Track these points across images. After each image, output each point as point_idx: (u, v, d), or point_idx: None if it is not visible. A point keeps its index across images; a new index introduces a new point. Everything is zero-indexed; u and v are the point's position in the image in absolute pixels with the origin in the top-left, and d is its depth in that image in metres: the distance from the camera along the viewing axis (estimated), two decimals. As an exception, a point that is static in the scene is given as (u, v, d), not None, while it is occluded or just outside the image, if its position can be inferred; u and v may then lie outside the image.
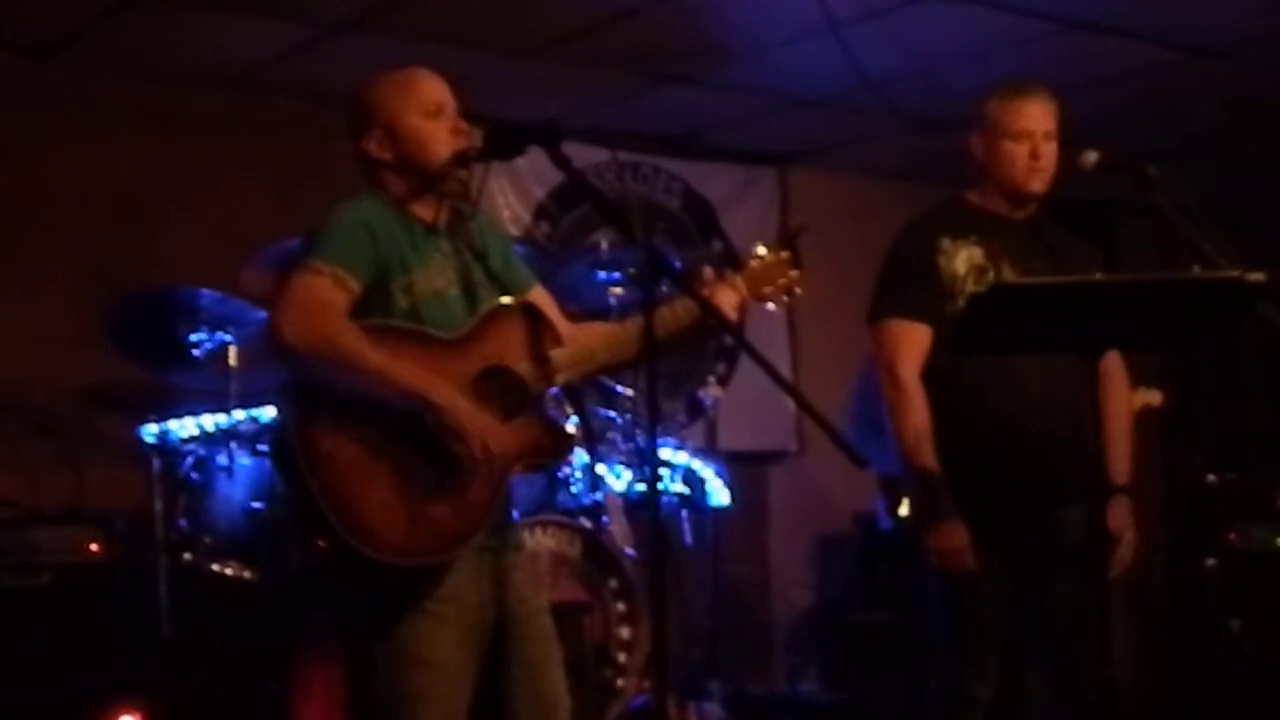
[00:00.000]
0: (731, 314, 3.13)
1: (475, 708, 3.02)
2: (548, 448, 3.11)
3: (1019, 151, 3.79)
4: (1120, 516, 3.78)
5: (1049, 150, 3.80)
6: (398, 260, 2.99)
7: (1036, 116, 3.80)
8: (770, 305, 3.27)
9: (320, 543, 2.91)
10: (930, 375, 3.80)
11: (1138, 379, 5.37)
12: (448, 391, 2.91)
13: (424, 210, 3.10)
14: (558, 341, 3.13)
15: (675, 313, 3.13)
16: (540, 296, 3.26)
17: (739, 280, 3.21)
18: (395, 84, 3.12)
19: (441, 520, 2.91)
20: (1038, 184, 3.81)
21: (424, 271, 3.03)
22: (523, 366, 3.06)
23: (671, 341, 3.13)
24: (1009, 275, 3.78)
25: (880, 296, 3.91)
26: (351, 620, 3.06)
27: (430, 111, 3.09)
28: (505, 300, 3.12)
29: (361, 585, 2.96)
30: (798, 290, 3.29)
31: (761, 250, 3.26)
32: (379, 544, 2.84)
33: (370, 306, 2.94)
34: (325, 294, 2.87)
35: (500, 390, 3.02)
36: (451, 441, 2.89)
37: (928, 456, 3.73)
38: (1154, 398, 5.37)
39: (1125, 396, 3.97)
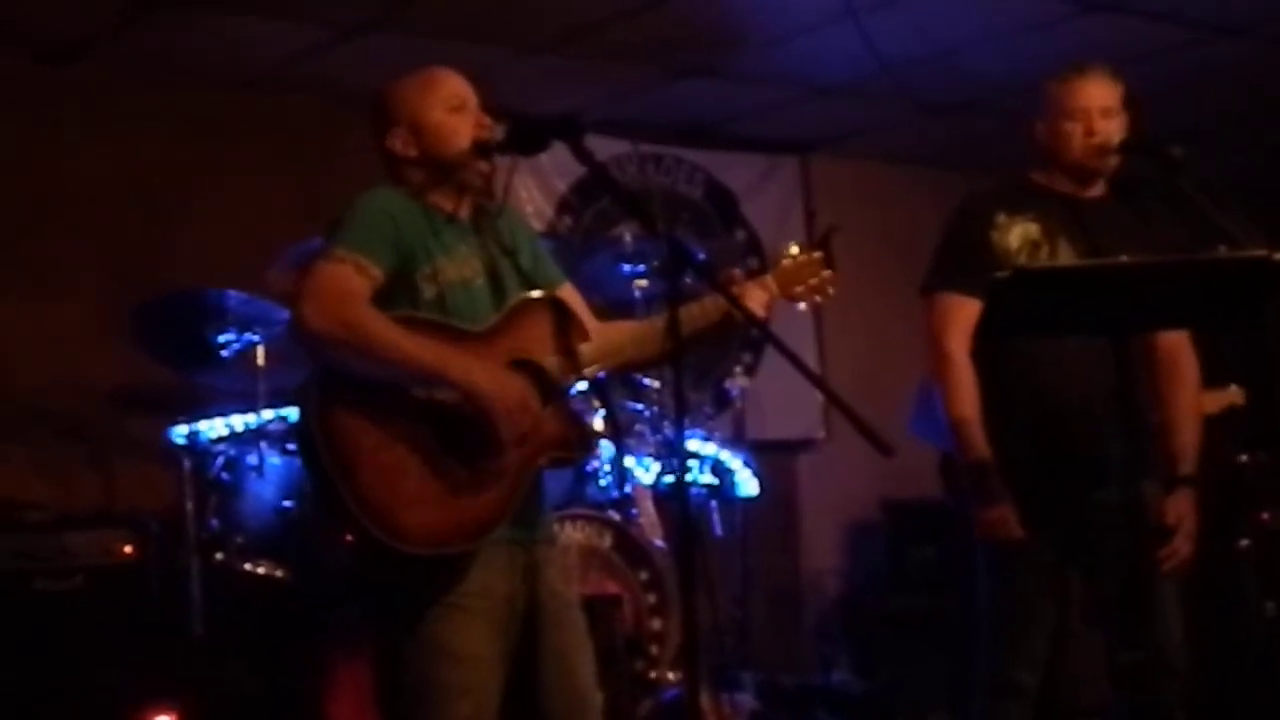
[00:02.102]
0: (761, 313, 3.13)
1: (507, 702, 3.02)
2: (574, 442, 3.12)
3: (1075, 130, 3.78)
4: (1181, 508, 3.76)
5: (1106, 127, 3.78)
6: (421, 248, 3.00)
7: (1092, 94, 3.80)
8: (801, 305, 3.28)
9: (347, 537, 2.92)
10: (981, 351, 3.78)
11: (1225, 377, 5.36)
12: (467, 364, 2.91)
13: (444, 201, 3.10)
14: (584, 336, 3.13)
15: (704, 309, 3.13)
16: (569, 293, 3.26)
17: (770, 279, 3.22)
18: (418, 81, 3.14)
19: (467, 511, 2.91)
20: (1096, 160, 3.79)
21: (448, 260, 3.03)
22: (549, 360, 3.06)
23: (698, 337, 3.13)
24: (1065, 252, 3.77)
25: (933, 269, 3.90)
26: (379, 615, 3.07)
27: (454, 106, 3.11)
28: (533, 294, 3.12)
29: (389, 579, 2.97)
30: (830, 290, 3.28)
31: (794, 249, 3.26)
32: (405, 535, 2.84)
33: (395, 297, 2.95)
34: (347, 281, 2.88)
35: (525, 383, 3.02)
36: (478, 415, 2.89)
37: (979, 438, 3.72)
38: (1238, 397, 5.34)
39: (1193, 384, 3.92)
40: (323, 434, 2.83)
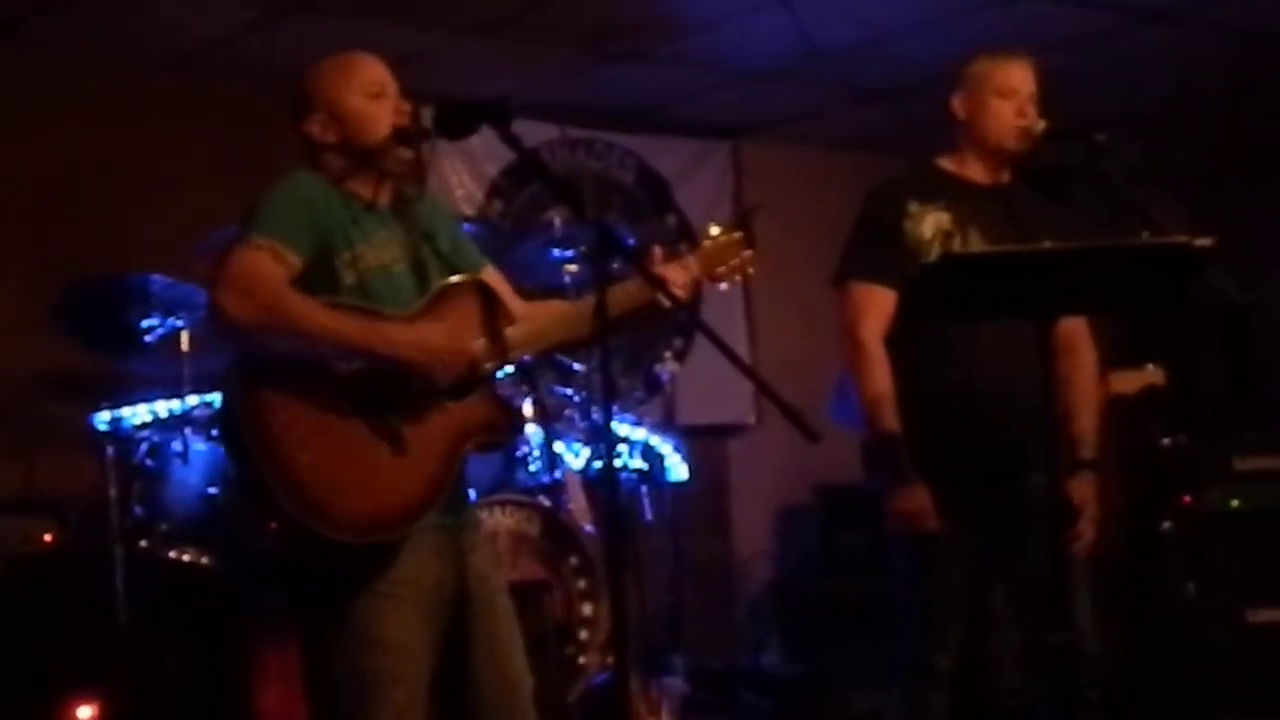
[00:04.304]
0: (681, 293, 3.13)
1: (437, 689, 3.02)
2: (500, 426, 3.12)
3: (1005, 108, 3.81)
4: (1084, 491, 3.78)
5: (1032, 112, 3.81)
6: (340, 234, 2.99)
7: (1023, 77, 3.83)
8: (723, 285, 3.28)
9: (272, 525, 2.89)
10: (894, 339, 3.80)
11: (1142, 357, 5.41)
12: (388, 331, 2.92)
13: (363, 188, 3.09)
14: (510, 319, 3.13)
15: (628, 291, 3.13)
16: (492, 276, 3.26)
17: (691, 260, 3.22)
18: (337, 66, 3.12)
19: (396, 496, 2.90)
20: (1022, 142, 3.81)
21: (368, 246, 3.03)
22: (477, 344, 3.05)
23: (625, 320, 3.12)
24: (976, 241, 3.79)
25: (845, 259, 3.91)
26: (307, 604, 3.05)
27: (373, 93, 3.09)
28: (458, 278, 3.12)
29: (316, 567, 2.95)
30: (751, 270, 3.29)
31: (714, 230, 3.27)
32: (334, 523, 2.83)
33: (315, 284, 2.93)
34: (265, 267, 2.86)
35: None
36: (411, 373, 2.90)
37: (889, 419, 3.74)
38: (1158, 377, 5.39)
39: (1091, 370, 3.96)
40: (248, 420, 2.81)
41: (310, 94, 3.10)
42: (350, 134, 3.07)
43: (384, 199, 3.12)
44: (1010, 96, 3.81)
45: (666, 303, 3.07)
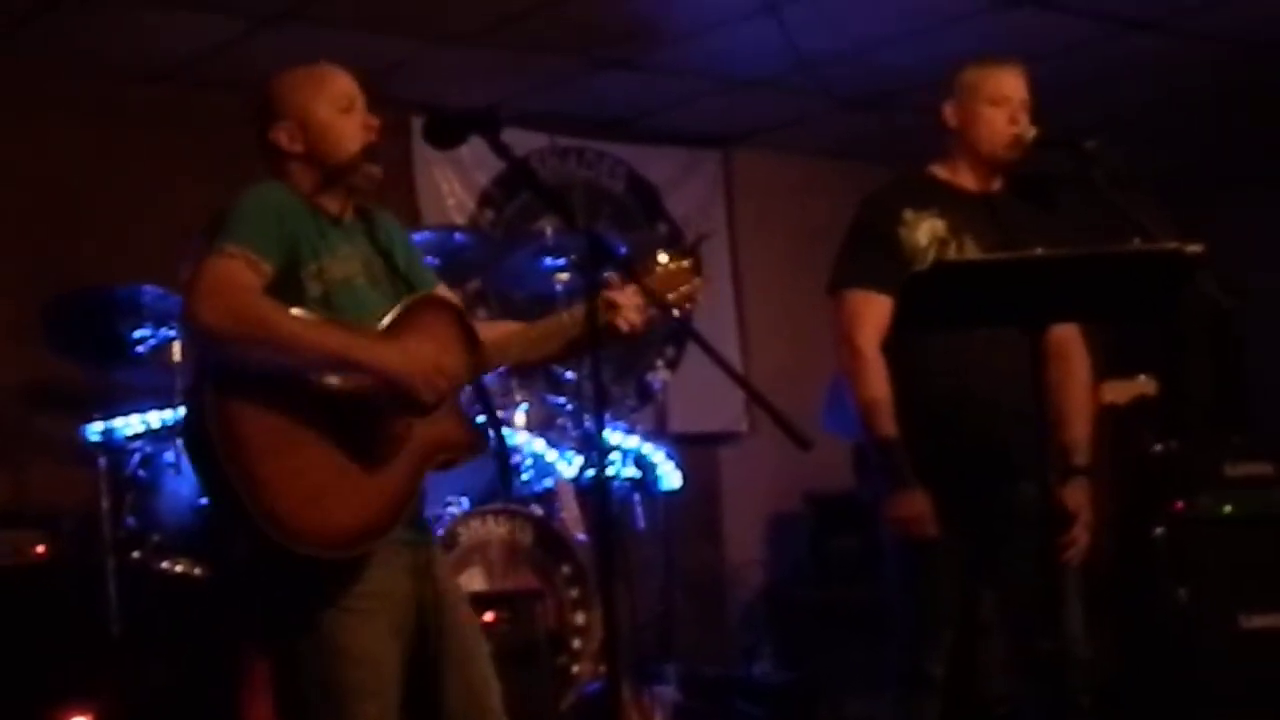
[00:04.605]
0: (635, 317, 3.13)
1: (406, 704, 3.00)
2: (463, 444, 3.12)
3: (998, 116, 3.82)
4: (1077, 498, 3.79)
5: (1025, 119, 3.83)
6: (308, 246, 2.97)
7: (1015, 85, 3.84)
8: (674, 312, 3.27)
9: (240, 537, 2.88)
10: (891, 347, 3.81)
11: (1134, 367, 5.42)
12: (371, 346, 2.91)
13: (330, 203, 3.08)
14: (475, 337, 3.13)
15: (574, 317, 3.15)
16: (448, 294, 3.26)
17: (643, 285, 3.20)
18: (308, 77, 3.11)
19: (365, 512, 2.89)
20: (1015, 149, 3.83)
21: (333, 259, 3.01)
22: (458, 361, 3.05)
23: (577, 344, 3.16)
24: (972, 248, 3.79)
25: (840, 267, 3.91)
26: (276, 618, 3.03)
27: (343, 106, 3.08)
28: (428, 293, 3.12)
29: (285, 580, 2.93)
30: (699, 298, 3.30)
31: (663, 258, 3.29)
32: (305, 539, 2.80)
33: (280, 295, 2.90)
34: (241, 276, 2.83)
35: None
36: (394, 390, 2.89)
37: (887, 426, 3.74)
38: (1149, 387, 5.39)
39: (1084, 377, 3.97)
40: (219, 431, 2.77)
41: (278, 102, 3.08)
42: (318, 145, 3.05)
43: (347, 212, 3.11)
44: (1003, 104, 3.82)
45: (623, 328, 3.10)
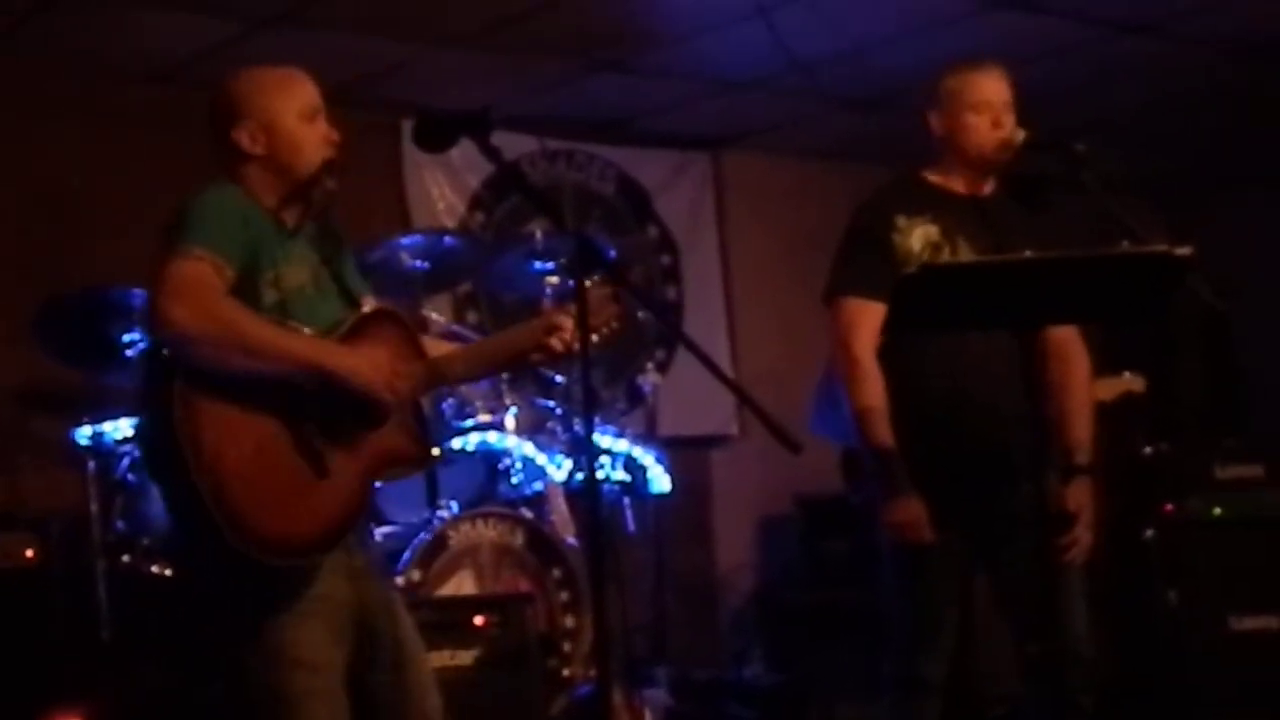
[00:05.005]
0: (570, 340, 3.17)
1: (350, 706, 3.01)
2: (412, 458, 3.15)
3: (981, 122, 3.81)
4: (1080, 496, 3.79)
5: (1010, 120, 3.83)
6: (266, 254, 2.97)
7: (995, 88, 3.84)
8: (594, 338, 3.26)
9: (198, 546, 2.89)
10: (886, 351, 3.81)
11: (1121, 365, 5.42)
12: (339, 354, 2.93)
13: (284, 210, 3.08)
14: (420, 352, 3.16)
15: (512, 337, 3.25)
16: (386, 306, 3.28)
17: (574, 309, 3.22)
18: (273, 80, 3.10)
19: (320, 517, 2.90)
20: (1003, 152, 3.83)
21: (289, 267, 3.01)
22: (416, 369, 3.09)
23: (511, 362, 3.31)
24: (966, 252, 3.80)
25: (835, 274, 3.91)
26: (224, 623, 3.00)
27: (307, 115, 3.08)
28: (376, 307, 3.15)
29: (238, 586, 2.91)
30: (615, 325, 3.32)
31: (588, 284, 3.32)
32: (266, 545, 2.81)
33: (238, 300, 2.89)
34: (209, 279, 2.82)
35: None
36: (357, 393, 2.92)
37: (883, 433, 3.74)
38: (1136, 384, 5.39)
39: (1084, 375, 3.97)
40: (187, 440, 2.75)
41: (241, 102, 3.07)
42: (279, 151, 3.05)
43: (299, 221, 3.11)
44: (984, 110, 3.82)
45: (558, 347, 3.16)
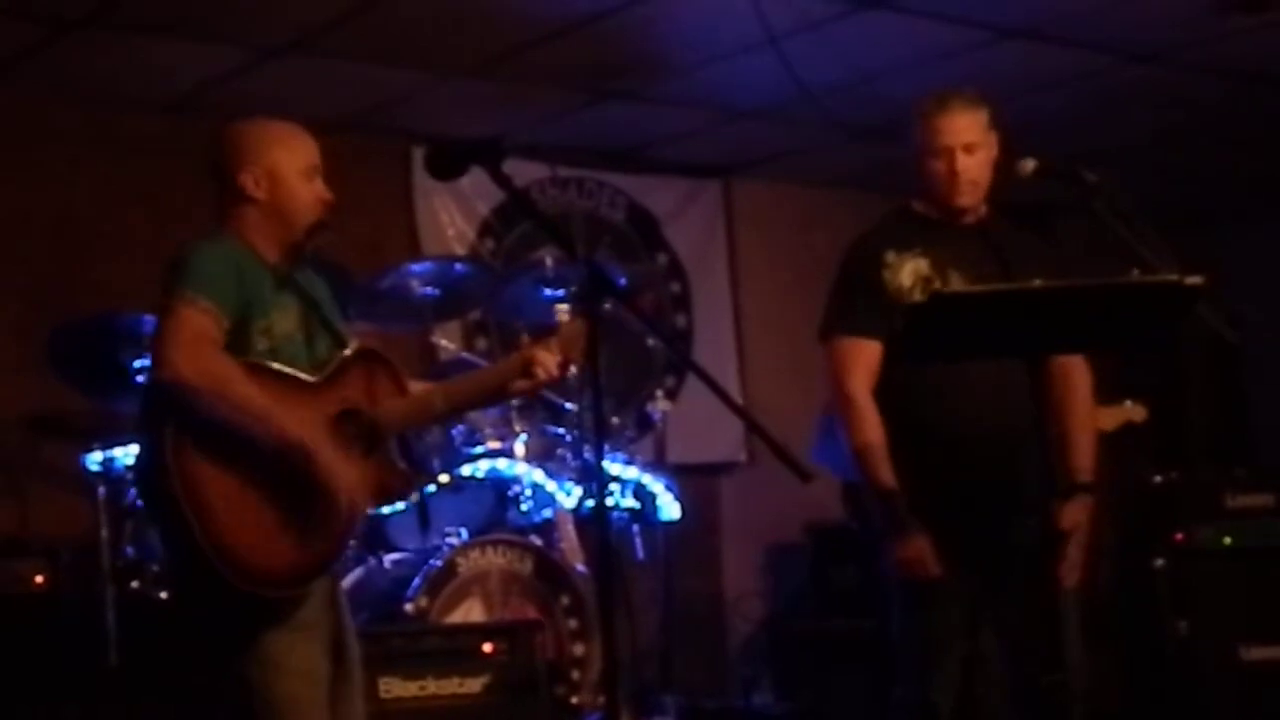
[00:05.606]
0: (554, 371, 3.31)
1: None
2: (394, 490, 3.30)
3: (939, 167, 3.79)
4: (1075, 514, 3.77)
5: (970, 162, 3.78)
6: (259, 304, 3.10)
7: (954, 130, 3.78)
8: (573, 369, 3.41)
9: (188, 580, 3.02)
10: (883, 388, 3.81)
11: (1129, 393, 5.41)
12: (323, 448, 3.04)
13: (278, 258, 3.21)
14: (405, 389, 3.30)
15: (495, 373, 3.41)
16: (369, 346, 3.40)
17: (553, 342, 3.37)
18: (278, 134, 3.24)
19: (308, 550, 3.04)
20: (964, 198, 3.81)
21: (280, 315, 3.15)
22: (382, 409, 3.21)
23: (491, 396, 3.48)
24: (957, 282, 3.78)
25: (828, 314, 3.92)
26: (220, 646, 3.13)
27: (306, 174, 3.22)
28: (359, 346, 3.27)
29: (232, 613, 3.04)
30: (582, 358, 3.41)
31: (563, 317, 3.39)
32: (257, 579, 2.97)
33: (230, 348, 3.03)
34: (210, 331, 2.98)
35: (355, 431, 3.19)
36: (321, 492, 3.03)
37: (884, 471, 3.73)
38: (1137, 413, 5.38)
39: (1087, 398, 3.95)
40: (180, 478, 2.91)
41: (250, 149, 3.20)
42: (279, 200, 3.18)
43: (286, 267, 3.23)
44: (941, 155, 3.78)
45: (541, 376, 3.29)
